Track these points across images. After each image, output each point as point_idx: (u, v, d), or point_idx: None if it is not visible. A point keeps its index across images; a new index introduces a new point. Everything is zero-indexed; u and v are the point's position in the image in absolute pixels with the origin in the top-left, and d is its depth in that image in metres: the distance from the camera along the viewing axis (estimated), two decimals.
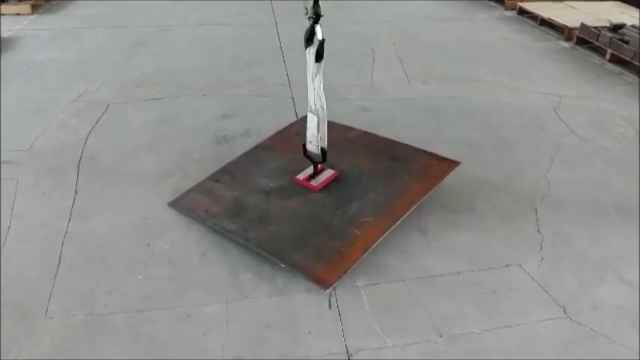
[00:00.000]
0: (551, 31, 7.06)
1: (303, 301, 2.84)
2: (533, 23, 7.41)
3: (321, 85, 3.32)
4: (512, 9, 7.98)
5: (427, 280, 2.99)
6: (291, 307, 2.80)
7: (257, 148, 4.06)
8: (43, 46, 6.27)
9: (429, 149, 3.92)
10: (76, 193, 3.64)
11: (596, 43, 6.21)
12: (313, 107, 3.43)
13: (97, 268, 3.03)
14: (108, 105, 4.84)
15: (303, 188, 3.56)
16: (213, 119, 4.64)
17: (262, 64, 5.83)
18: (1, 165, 3.90)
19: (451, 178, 3.82)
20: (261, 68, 5.72)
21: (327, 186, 3.58)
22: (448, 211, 3.53)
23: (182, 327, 2.67)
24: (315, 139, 3.50)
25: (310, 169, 3.66)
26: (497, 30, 7.22)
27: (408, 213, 3.31)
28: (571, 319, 2.74)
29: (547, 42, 6.76)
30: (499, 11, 8.08)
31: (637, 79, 5.60)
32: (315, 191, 3.53)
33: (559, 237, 3.32)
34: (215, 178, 3.71)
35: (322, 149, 3.53)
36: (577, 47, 6.50)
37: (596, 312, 2.80)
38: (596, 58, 6.17)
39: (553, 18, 7.04)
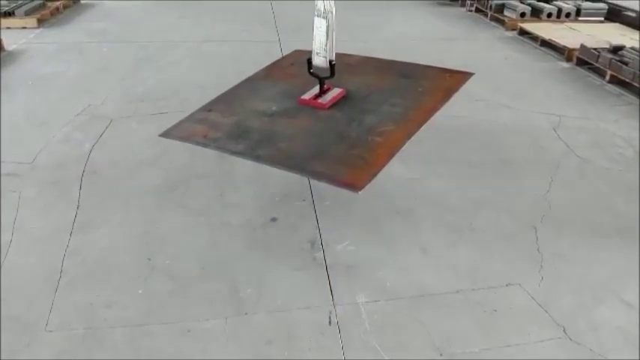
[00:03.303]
0: (552, 52, 7.13)
1: (303, 317, 2.84)
2: (533, 44, 7.49)
3: None
4: (512, 29, 8.07)
5: (427, 298, 2.99)
6: (290, 323, 2.80)
7: (250, 79, 3.77)
8: (49, 60, 6.34)
9: (427, 167, 3.88)
10: (78, 206, 3.66)
11: (596, 64, 6.27)
12: (322, 10, 3.09)
13: (98, 281, 3.04)
14: (111, 119, 4.88)
15: (311, 108, 3.30)
16: None
17: None
18: (4, 177, 3.93)
19: (452, 197, 3.84)
20: None
21: (337, 104, 3.34)
22: (448, 230, 3.54)
23: (181, 342, 2.67)
24: (322, 49, 3.20)
25: (315, 90, 3.41)
26: (497, 50, 7.30)
27: (431, 118, 3.09)
28: (571, 340, 2.74)
29: (547, 62, 6.83)
30: (500, 31, 8.18)
31: (637, 100, 5.64)
32: (324, 109, 3.29)
33: (559, 256, 3.33)
34: (207, 108, 3.43)
35: (330, 62, 3.24)
36: (577, 68, 6.57)
37: (595, 332, 2.79)
38: (596, 79, 6.22)
39: (554, 39, 7.12)
